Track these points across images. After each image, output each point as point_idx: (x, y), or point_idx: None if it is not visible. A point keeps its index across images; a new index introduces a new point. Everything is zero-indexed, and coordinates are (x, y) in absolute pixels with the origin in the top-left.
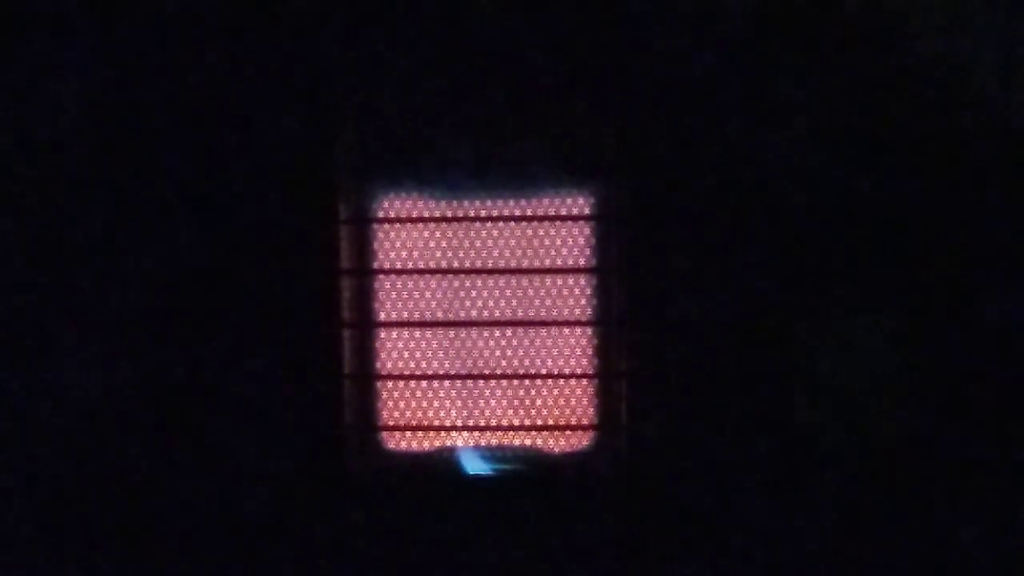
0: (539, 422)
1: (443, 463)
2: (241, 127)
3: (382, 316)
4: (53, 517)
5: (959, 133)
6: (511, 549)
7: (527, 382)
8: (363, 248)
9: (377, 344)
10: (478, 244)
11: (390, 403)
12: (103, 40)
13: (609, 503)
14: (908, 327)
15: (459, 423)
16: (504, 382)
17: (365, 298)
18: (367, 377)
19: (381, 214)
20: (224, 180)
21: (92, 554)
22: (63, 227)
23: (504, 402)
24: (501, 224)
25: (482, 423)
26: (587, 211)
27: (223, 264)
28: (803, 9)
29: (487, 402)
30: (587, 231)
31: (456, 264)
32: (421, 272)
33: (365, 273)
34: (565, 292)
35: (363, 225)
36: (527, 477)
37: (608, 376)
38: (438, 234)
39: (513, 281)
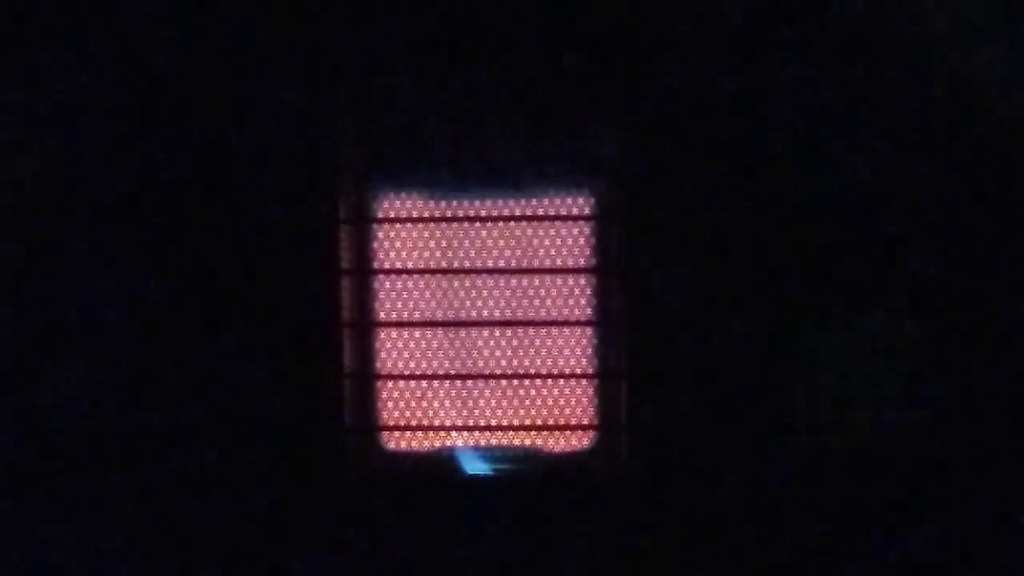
0: (539, 422)
1: (443, 463)
2: (240, 126)
3: (382, 316)
4: (51, 513)
5: (960, 133)
6: (511, 549)
7: (527, 382)
8: (363, 248)
9: (377, 344)
10: (478, 244)
11: (390, 403)
12: (102, 39)
13: (609, 503)
14: (909, 327)
15: (459, 423)
16: (504, 382)
17: (365, 298)
18: (367, 377)
19: (381, 214)
20: (223, 180)
21: (91, 553)
22: (61, 227)
23: (504, 402)
24: (501, 224)
25: (482, 423)
26: (587, 211)
27: (222, 264)
28: (805, 9)
29: (487, 402)
30: (587, 231)
31: (456, 264)
32: (421, 272)
33: (365, 273)
34: (565, 292)
35: (363, 225)
36: (527, 477)
37: (608, 376)
38: (438, 234)
39: (513, 281)
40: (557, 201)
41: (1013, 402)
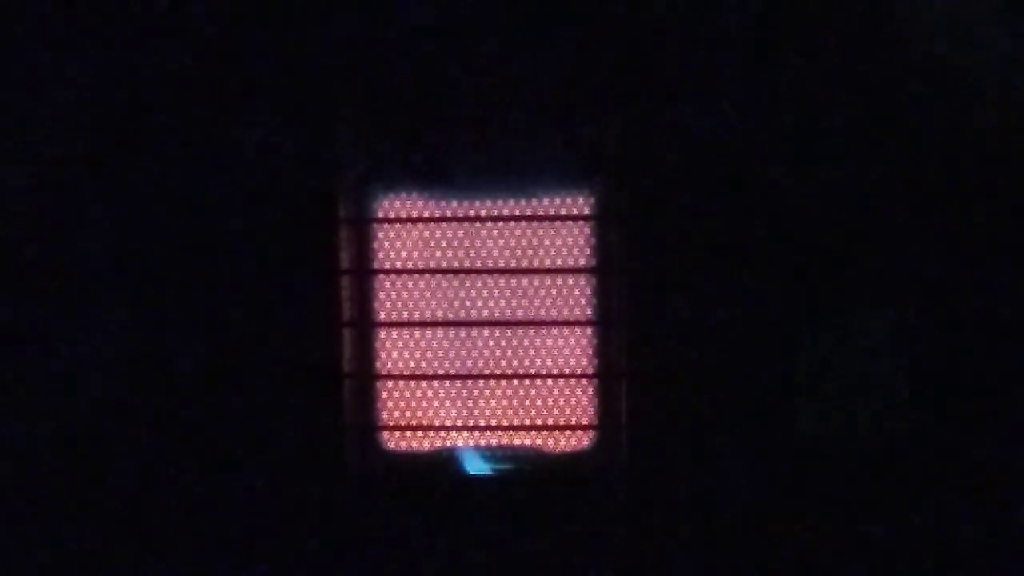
0: (539, 422)
1: (443, 463)
2: (241, 127)
3: (382, 316)
4: (53, 515)
5: (959, 132)
6: (511, 549)
7: (527, 382)
8: (363, 248)
9: (377, 344)
10: (478, 244)
11: (390, 403)
12: (103, 42)
13: (609, 503)
14: (908, 327)
15: (459, 423)
16: (504, 382)
17: (365, 298)
18: (367, 377)
19: (381, 214)
20: (224, 180)
21: (92, 553)
22: (62, 226)
23: (504, 402)
24: (501, 224)
25: (482, 423)
26: (587, 211)
27: (223, 264)
28: (804, 8)
29: (487, 402)
30: (587, 231)
31: (456, 264)
32: (421, 272)
33: (365, 273)
34: (565, 292)
35: (363, 225)
36: (527, 477)
37: (608, 376)
38: (438, 234)
39: (513, 281)
40: (557, 201)
41: (1012, 402)
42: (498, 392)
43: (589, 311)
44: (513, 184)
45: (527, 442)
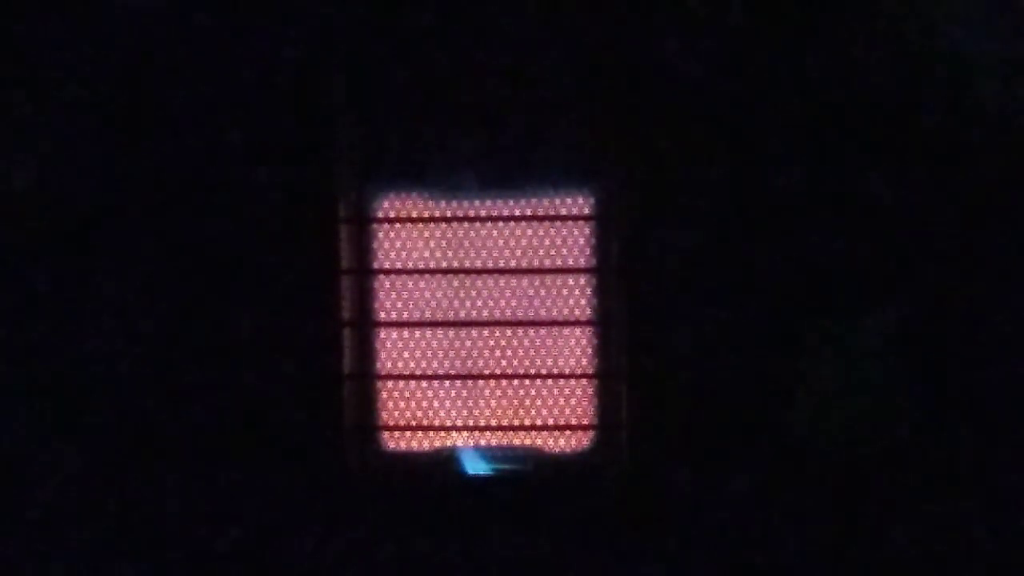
0: (539, 422)
1: (443, 463)
2: (241, 127)
3: (382, 316)
4: (54, 516)
5: (959, 132)
6: (511, 549)
7: (527, 382)
8: (363, 248)
9: (377, 344)
10: (478, 244)
11: (390, 403)
12: (104, 40)
13: (609, 503)
14: (908, 327)
15: (459, 423)
16: (504, 382)
17: (365, 298)
18: (367, 377)
19: (381, 214)
20: (224, 180)
21: (93, 553)
22: (64, 226)
23: (504, 402)
24: (501, 224)
25: (482, 423)
26: (587, 211)
27: (223, 263)
28: (804, 8)
29: (487, 402)
30: (587, 231)
31: (456, 264)
32: (421, 272)
33: (365, 273)
34: (565, 292)
35: (363, 225)
36: (527, 477)
37: (608, 376)
38: (438, 234)
39: (513, 281)
40: (557, 201)
41: (1011, 402)
42: (498, 392)
43: (589, 311)
44: (513, 184)
45: (527, 442)
